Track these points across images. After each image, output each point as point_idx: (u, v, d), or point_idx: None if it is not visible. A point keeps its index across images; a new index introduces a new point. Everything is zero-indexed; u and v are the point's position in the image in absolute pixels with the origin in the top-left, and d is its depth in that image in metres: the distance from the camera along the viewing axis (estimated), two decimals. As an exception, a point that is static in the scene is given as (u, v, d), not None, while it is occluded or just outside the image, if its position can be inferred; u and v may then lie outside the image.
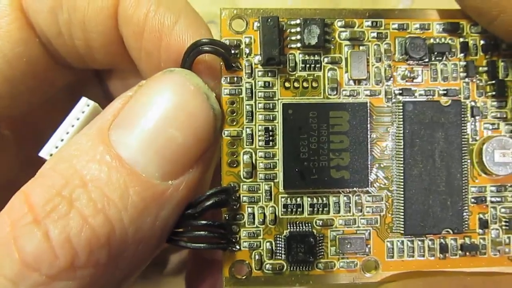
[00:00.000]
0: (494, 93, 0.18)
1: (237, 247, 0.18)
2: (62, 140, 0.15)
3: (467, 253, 0.18)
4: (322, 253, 0.18)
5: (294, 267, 0.18)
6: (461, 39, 0.18)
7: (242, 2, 0.27)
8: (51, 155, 0.15)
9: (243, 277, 0.18)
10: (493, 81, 0.18)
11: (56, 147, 0.15)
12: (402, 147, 0.18)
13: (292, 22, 0.18)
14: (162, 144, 0.15)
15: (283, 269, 0.18)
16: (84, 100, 0.16)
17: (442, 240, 0.18)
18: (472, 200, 0.18)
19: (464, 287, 0.17)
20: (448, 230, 0.18)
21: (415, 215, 0.18)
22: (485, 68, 0.18)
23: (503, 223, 0.18)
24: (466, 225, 0.18)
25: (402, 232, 0.18)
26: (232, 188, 0.18)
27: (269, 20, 0.17)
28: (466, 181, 0.18)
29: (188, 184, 0.16)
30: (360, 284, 0.18)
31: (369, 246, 0.18)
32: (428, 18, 0.18)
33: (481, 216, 0.18)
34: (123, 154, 0.15)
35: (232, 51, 0.18)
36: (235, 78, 0.18)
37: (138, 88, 0.16)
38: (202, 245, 0.17)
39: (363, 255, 0.18)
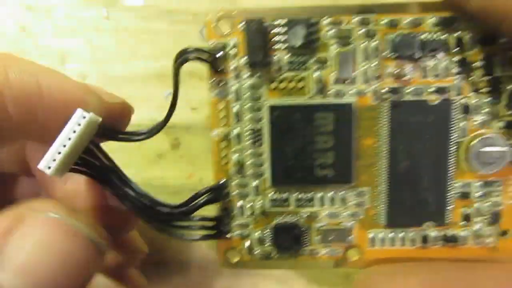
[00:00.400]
0: (488, 89, 0.18)
1: (229, 236, 0.19)
2: (59, 153, 0.16)
3: (448, 244, 0.19)
4: (307, 242, 0.19)
5: (282, 254, 0.20)
6: (456, 34, 0.18)
7: (242, 2, 0.27)
8: (49, 168, 0.16)
9: (236, 261, 0.20)
10: (488, 77, 0.18)
11: (54, 160, 0.16)
12: (387, 145, 0.18)
13: (277, 23, 0.18)
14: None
15: (271, 254, 0.20)
16: (79, 112, 0.16)
17: (424, 232, 0.19)
18: (457, 195, 0.19)
19: (444, 270, 0.18)
20: (430, 223, 0.19)
21: (397, 209, 0.19)
22: (480, 63, 0.18)
23: (486, 217, 0.19)
24: (449, 219, 0.19)
25: (384, 224, 0.19)
26: (221, 185, 0.19)
27: (252, 23, 0.17)
28: (451, 177, 0.19)
29: None
30: (344, 268, 0.20)
31: (352, 236, 0.19)
32: (421, 13, 0.17)
33: (464, 210, 0.19)
34: None
35: (218, 55, 0.18)
36: (222, 81, 0.18)
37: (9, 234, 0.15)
38: (197, 237, 0.19)
39: (346, 244, 0.19)
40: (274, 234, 0.19)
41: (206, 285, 0.28)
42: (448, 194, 0.19)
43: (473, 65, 0.18)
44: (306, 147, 0.18)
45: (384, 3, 0.18)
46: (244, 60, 0.18)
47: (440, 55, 0.18)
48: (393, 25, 0.18)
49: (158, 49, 0.26)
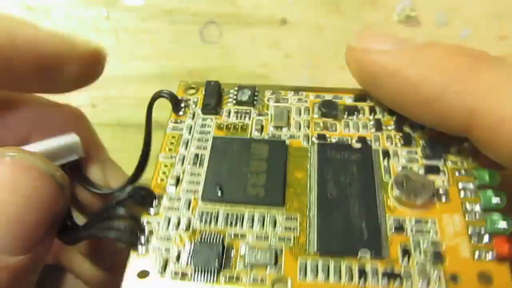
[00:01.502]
0: (403, 142, 0.21)
1: (144, 250, 0.18)
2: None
3: (391, 283, 0.17)
4: (229, 264, 0.17)
5: (198, 274, 0.17)
6: (371, 104, 0.22)
7: (242, 2, 0.28)
8: None
9: (144, 281, 0.17)
10: (401, 134, 0.21)
11: None
12: (315, 177, 0.19)
13: (231, 90, 0.23)
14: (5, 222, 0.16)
15: (187, 275, 0.17)
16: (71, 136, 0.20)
17: (360, 265, 0.17)
18: (391, 228, 0.18)
19: None
20: (366, 251, 0.17)
21: (329, 235, 0.18)
22: (393, 126, 0.21)
23: (428, 255, 0.17)
24: (386, 251, 0.17)
25: (316, 250, 0.17)
26: (153, 193, 0.19)
27: (212, 83, 0.23)
28: (382, 210, 0.18)
29: (42, 254, 0.17)
30: None
31: (280, 263, 0.17)
32: (340, 92, 0.23)
33: (402, 245, 0.18)
34: None
35: (182, 105, 0.22)
36: (179, 121, 0.22)
37: None
38: (113, 235, 0.18)
39: (273, 272, 0.17)
40: (194, 249, 0.17)
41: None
42: (382, 225, 0.18)
43: (386, 127, 0.21)
44: (241, 169, 0.20)
45: (311, 86, 0.23)
46: (200, 107, 0.22)
47: None
48: (318, 97, 0.23)
49: (158, 49, 0.25)
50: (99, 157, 0.23)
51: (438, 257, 0.17)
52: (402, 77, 0.19)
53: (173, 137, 0.21)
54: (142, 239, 0.18)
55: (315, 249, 0.17)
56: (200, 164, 0.20)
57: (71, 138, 0.21)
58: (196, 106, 0.22)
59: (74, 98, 0.28)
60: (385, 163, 0.20)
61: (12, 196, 0.16)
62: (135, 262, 0.17)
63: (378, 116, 0.22)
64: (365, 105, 0.22)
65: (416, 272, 0.17)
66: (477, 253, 0.17)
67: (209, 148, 0.21)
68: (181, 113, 0.22)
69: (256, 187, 0.19)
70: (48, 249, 0.17)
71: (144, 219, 0.18)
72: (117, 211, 0.18)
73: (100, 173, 0.22)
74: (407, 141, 0.21)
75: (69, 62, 0.19)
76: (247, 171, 0.20)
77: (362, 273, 0.17)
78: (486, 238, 0.18)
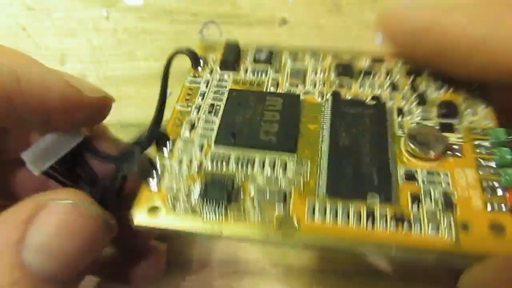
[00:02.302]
0: (417, 102, 0.21)
1: (156, 188, 0.18)
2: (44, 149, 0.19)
3: (399, 227, 0.16)
4: (239, 201, 0.17)
5: (207, 210, 0.17)
6: (387, 66, 0.22)
7: (242, 2, 0.28)
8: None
9: (156, 219, 0.17)
10: (416, 94, 0.21)
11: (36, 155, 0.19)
12: (328, 128, 0.20)
13: (249, 51, 0.24)
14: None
15: (197, 208, 0.17)
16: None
17: (369, 208, 0.17)
18: (402, 176, 0.18)
19: None
20: (375, 195, 0.17)
21: (339, 178, 0.18)
22: (408, 87, 0.21)
23: (440, 202, 0.17)
24: (396, 196, 0.17)
25: (325, 192, 0.17)
26: (167, 136, 0.20)
27: (231, 43, 0.23)
28: (394, 161, 0.18)
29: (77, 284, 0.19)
30: (276, 242, 0.16)
31: (289, 204, 0.17)
32: (358, 55, 0.23)
33: (412, 193, 0.17)
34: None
35: (201, 61, 0.23)
36: (197, 75, 0.22)
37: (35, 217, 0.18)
38: (127, 170, 0.18)
39: (281, 213, 0.17)
40: (205, 187, 0.18)
41: (206, 285, 0.24)
42: (392, 172, 0.18)
43: (402, 89, 0.21)
44: (255, 118, 0.20)
45: (331, 47, 0.24)
46: (218, 64, 0.23)
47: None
48: (336, 58, 0.23)
49: (158, 49, 0.25)
50: (104, 133, 0.24)
51: (449, 205, 0.17)
52: (443, 28, 0.18)
53: (190, 89, 0.22)
54: (155, 176, 0.18)
55: (324, 191, 0.18)
56: (215, 113, 0.21)
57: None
58: (214, 63, 0.23)
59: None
60: (399, 119, 0.20)
61: (75, 239, 0.17)
62: (146, 198, 0.18)
63: (394, 78, 0.22)
64: (382, 67, 0.22)
65: (426, 217, 0.17)
66: (489, 204, 0.17)
67: (224, 99, 0.21)
68: (199, 68, 0.23)
69: (269, 135, 0.19)
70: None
71: (158, 160, 0.19)
72: (134, 150, 0.19)
73: (111, 144, 0.23)
74: (423, 101, 0.21)
75: (74, 109, 0.19)
76: (261, 120, 0.20)
77: (370, 215, 0.17)
78: (500, 192, 0.17)
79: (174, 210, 0.17)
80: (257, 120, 0.20)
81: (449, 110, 0.20)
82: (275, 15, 0.30)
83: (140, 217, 0.17)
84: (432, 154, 0.18)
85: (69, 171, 0.21)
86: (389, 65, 0.22)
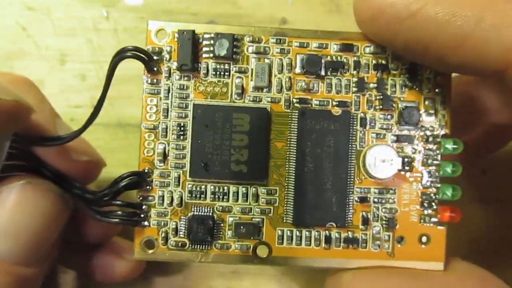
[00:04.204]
0: (381, 106, 0.21)
1: (147, 223, 0.21)
2: None
3: (350, 246, 0.21)
4: (220, 235, 0.21)
5: (194, 245, 0.21)
6: (355, 58, 0.21)
7: (242, 2, 0.29)
8: None
9: (151, 252, 0.21)
10: (381, 96, 0.21)
11: None
12: (295, 148, 0.21)
13: (206, 36, 0.21)
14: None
15: (185, 246, 0.21)
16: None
17: (327, 232, 0.21)
18: (357, 199, 0.21)
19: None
20: (332, 223, 0.21)
21: (303, 208, 0.21)
22: (375, 85, 0.21)
23: (384, 222, 0.21)
24: (350, 221, 0.21)
25: (291, 222, 0.21)
26: (145, 172, 0.21)
27: (185, 32, 0.20)
28: (351, 182, 0.21)
29: (49, 265, 0.20)
30: (252, 265, 0.21)
31: (262, 232, 0.21)
32: (327, 38, 0.21)
33: (363, 213, 0.21)
34: None
35: (154, 57, 0.21)
36: (155, 80, 0.21)
37: None
38: (115, 220, 0.20)
39: (255, 240, 0.21)
40: (189, 225, 0.21)
41: (206, 285, 0.27)
42: (349, 198, 0.21)
43: (369, 86, 0.21)
44: (224, 143, 0.21)
45: (296, 29, 0.21)
46: (175, 64, 0.21)
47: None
48: (303, 46, 0.21)
49: None
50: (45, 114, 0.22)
51: (391, 224, 0.21)
52: (427, 17, 0.17)
53: (151, 100, 0.21)
54: (143, 216, 0.21)
55: (291, 221, 0.21)
56: (183, 135, 0.21)
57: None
58: (170, 58, 0.21)
59: (74, 98, 0.28)
60: (361, 133, 0.21)
61: (33, 216, 0.18)
62: (141, 236, 0.21)
63: (362, 73, 0.21)
64: (350, 57, 0.21)
65: (371, 237, 0.21)
66: (423, 218, 0.21)
67: (190, 116, 0.21)
68: (155, 69, 0.21)
69: (240, 164, 0.21)
70: (52, 262, 0.20)
71: (141, 195, 0.21)
72: (115, 203, 0.20)
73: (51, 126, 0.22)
74: (386, 103, 0.21)
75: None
76: (230, 146, 0.21)
77: (328, 239, 0.21)
78: (434, 205, 0.21)
79: (166, 244, 0.21)
80: (227, 146, 0.21)
81: (408, 118, 0.21)
82: (275, 15, 0.30)
83: (138, 251, 0.21)
84: (385, 179, 0.21)
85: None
86: (357, 55, 0.21)
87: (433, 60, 0.19)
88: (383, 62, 0.21)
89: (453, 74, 0.21)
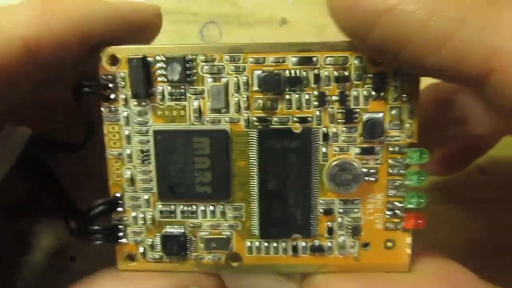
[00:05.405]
0: (344, 120, 0.20)
1: (125, 241, 0.22)
2: None
3: (316, 253, 0.22)
4: (193, 249, 0.22)
5: (171, 258, 0.22)
6: (315, 71, 0.20)
7: (242, 2, 0.29)
8: None
9: (133, 264, 0.23)
10: (344, 110, 0.20)
11: None
12: (257, 167, 0.21)
13: (158, 58, 0.20)
14: None
15: (163, 258, 0.22)
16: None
17: (294, 242, 0.22)
18: (321, 211, 0.21)
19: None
20: (298, 235, 0.22)
21: (269, 223, 0.22)
22: (337, 97, 0.20)
23: (349, 230, 0.21)
24: (315, 231, 0.22)
25: (259, 236, 0.22)
26: (116, 198, 0.22)
27: (134, 60, 0.20)
28: (316, 195, 0.21)
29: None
30: (226, 273, 0.23)
31: (232, 245, 0.22)
32: (284, 52, 0.20)
33: (328, 224, 0.21)
34: None
35: (110, 85, 0.20)
36: (113, 108, 0.21)
37: None
38: (98, 241, 0.22)
39: (227, 251, 0.22)
40: (163, 241, 0.22)
41: None
42: (313, 210, 0.21)
43: (331, 98, 0.20)
44: (187, 167, 0.21)
45: (251, 44, 0.20)
46: (130, 91, 0.20)
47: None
48: (258, 62, 0.20)
49: None
50: None
51: (356, 232, 0.21)
52: (405, 13, 0.16)
53: (113, 128, 0.21)
54: (121, 234, 0.22)
55: (258, 234, 0.22)
56: (147, 159, 0.21)
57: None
58: (125, 85, 0.20)
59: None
60: (324, 148, 0.21)
61: None
62: (122, 251, 0.22)
63: (323, 87, 0.20)
64: (310, 70, 0.20)
65: (336, 244, 0.22)
66: (388, 225, 0.21)
67: (152, 141, 0.21)
68: (112, 96, 0.21)
69: (204, 185, 0.21)
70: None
71: (115, 218, 0.22)
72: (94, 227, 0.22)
73: None
74: (349, 117, 0.20)
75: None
76: (193, 169, 0.21)
77: (295, 248, 0.22)
78: (400, 213, 0.21)
79: (145, 257, 0.22)
80: (190, 169, 0.21)
81: (371, 132, 0.20)
82: (275, 15, 0.30)
83: (121, 264, 0.23)
84: (349, 192, 0.21)
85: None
86: (317, 67, 0.20)
87: (408, 62, 0.17)
88: (345, 73, 0.20)
89: (431, 82, 0.20)
